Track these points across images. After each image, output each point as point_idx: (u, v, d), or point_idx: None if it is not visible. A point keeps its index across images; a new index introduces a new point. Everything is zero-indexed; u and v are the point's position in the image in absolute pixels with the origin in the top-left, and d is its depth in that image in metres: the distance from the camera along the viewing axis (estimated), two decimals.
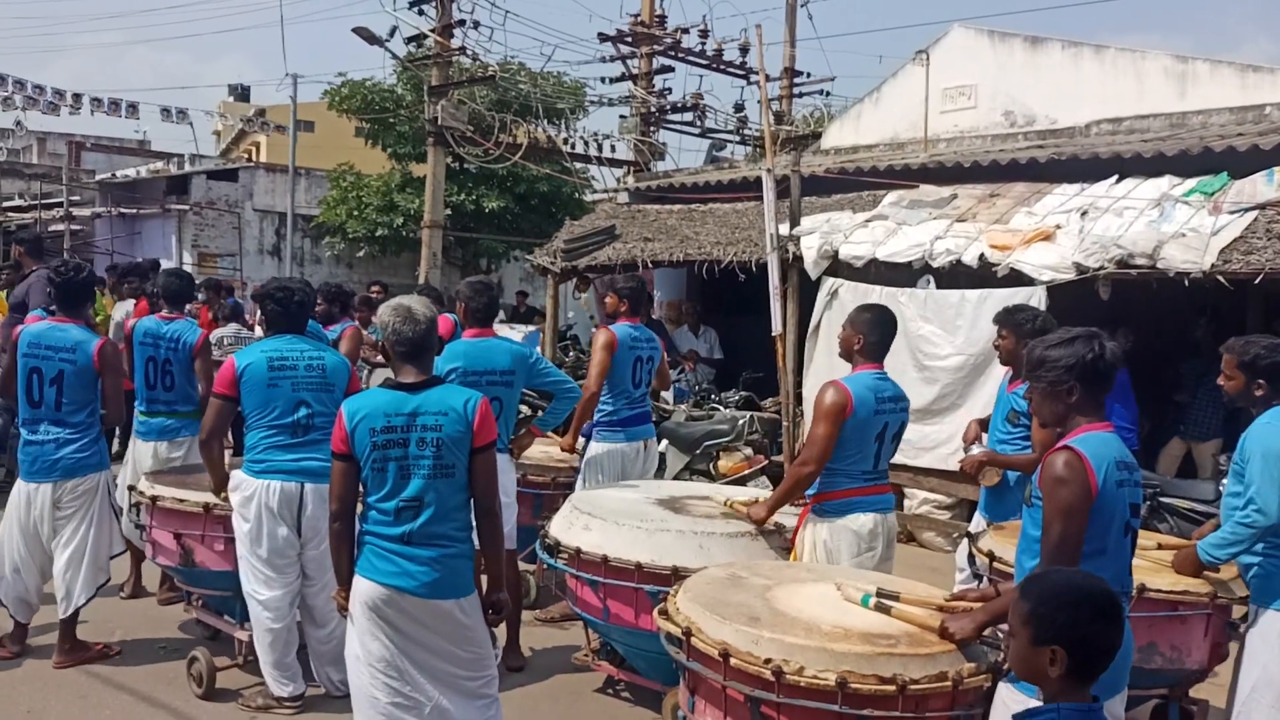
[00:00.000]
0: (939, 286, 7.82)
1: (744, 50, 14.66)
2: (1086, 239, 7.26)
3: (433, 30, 12.99)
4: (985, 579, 4.11)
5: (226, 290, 10.57)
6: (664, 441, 7.92)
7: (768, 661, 3.04)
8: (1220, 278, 6.60)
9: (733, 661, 3.12)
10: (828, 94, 15.92)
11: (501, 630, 4.71)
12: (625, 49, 14.56)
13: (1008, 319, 4.95)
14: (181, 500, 4.85)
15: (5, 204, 23.43)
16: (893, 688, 2.95)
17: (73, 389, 4.91)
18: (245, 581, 4.52)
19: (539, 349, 10.64)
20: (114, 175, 22.80)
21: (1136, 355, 7.61)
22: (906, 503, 8.22)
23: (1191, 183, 7.67)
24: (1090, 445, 2.77)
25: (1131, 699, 4.10)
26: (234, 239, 21.61)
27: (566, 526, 4.65)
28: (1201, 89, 9.63)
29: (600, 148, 13.95)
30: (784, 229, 8.54)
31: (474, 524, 3.45)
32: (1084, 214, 7.68)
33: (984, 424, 5.17)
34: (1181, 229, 7.00)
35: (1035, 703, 2.37)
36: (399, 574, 3.29)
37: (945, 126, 11.11)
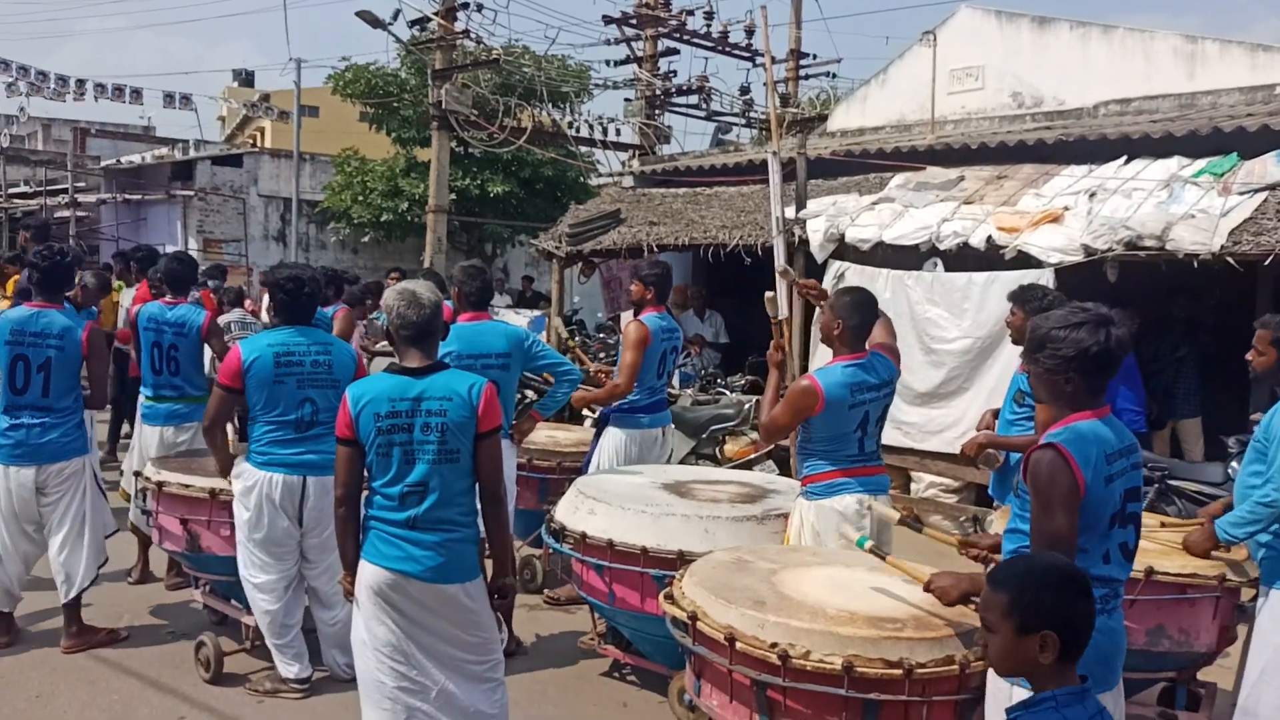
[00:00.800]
0: (946, 269, 7.78)
1: (749, 32, 14.58)
2: (1095, 221, 7.21)
3: (436, 13, 12.93)
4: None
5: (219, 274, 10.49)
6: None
7: (774, 645, 3.04)
8: (1230, 259, 6.56)
9: (738, 645, 3.12)
10: (834, 76, 15.86)
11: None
12: (630, 31, 14.49)
13: (1020, 296, 4.89)
14: (187, 485, 4.86)
15: (10, 191, 23.43)
16: (899, 671, 2.94)
17: (60, 375, 4.90)
18: (242, 566, 4.55)
19: (544, 334, 10.62)
20: (119, 161, 22.76)
21: (1140, 336, 7.60)
22: (913, 486, 8.21)
23: (1201, 163, 7.61)
24: (1077, 441, 2.65)
25: (1139, 682, 4.11)
26: (239, 225, 21.59)
27: (572, 511, 4.65)
28: (1211, 69, 9.54)
29: (605, 131, 13.90)
30: (790, 212, 8.50)
31: (479, 509, 3.45)
32: (1092, 196, 7.63)
33: (997, 414, 5.12)
34: (1191, 210, 6.94)
35: (1025, 691, 2.33)
36: (404, 559, 3.29)
37: (952, 108, 11.03)
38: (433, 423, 3.27)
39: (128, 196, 22.19)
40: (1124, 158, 8.17)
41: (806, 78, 15.93)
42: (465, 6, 12.85)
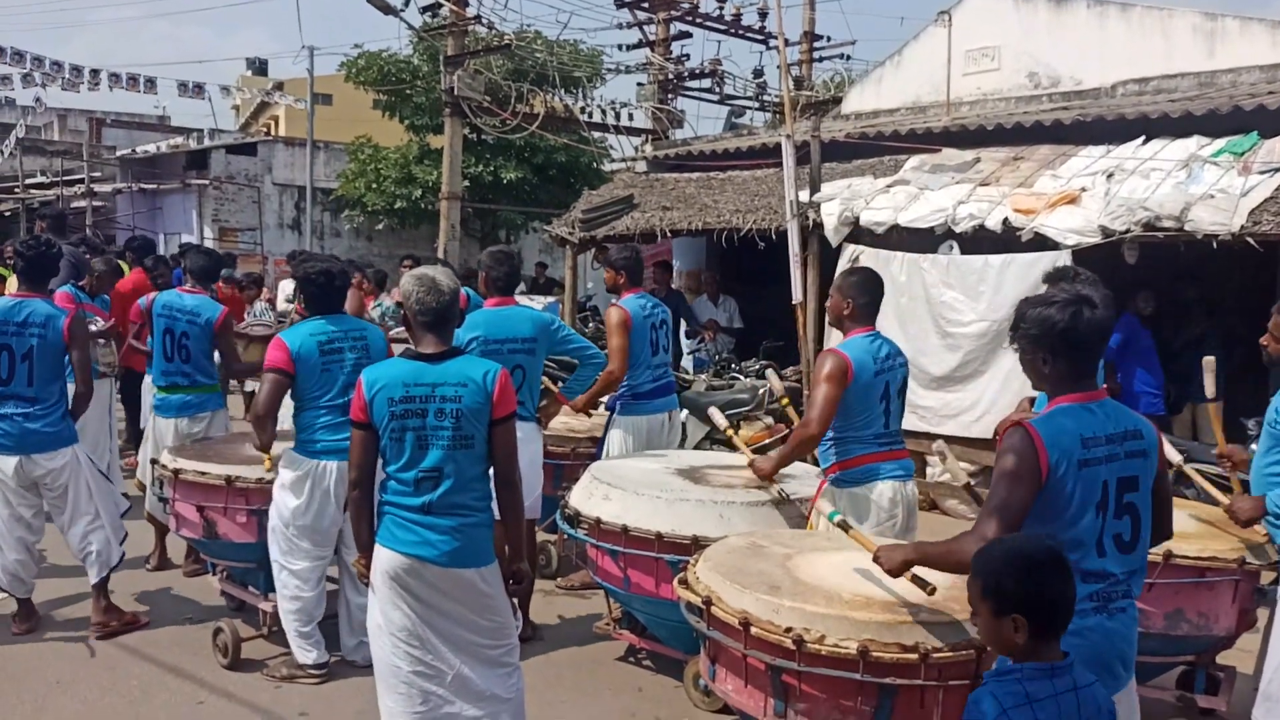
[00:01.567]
0: (962, 252, 7.73)
1: (763, 15, 14.48)
2: (1112, 202, 7.14)
3: None
4: None
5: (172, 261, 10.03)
6: (684, 411, 7.89)
7: (788, 630, 3.03)
8: (1250, 239, 6.48)
9: (753, 630, 3.11)
10: (848, 58, 15.73)
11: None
12: (642, 15, 14.42)
13: (1054, 277, 4.77)
14: (203, 473, 4.88)
15: (28, 181, 23.57)
16: (915, 656, 2.92)
17: (44, 364, 4.91)
18: (278, 553, 4.54)
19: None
20: (134, 151, 22.85)
21: (1159, 317, 7.53)
22: (929, 470, 8.17)
23: (1220, 143, 7.52)
24: (1052, 425, 2.60)
25: (1158, 666, 4.09)
26: (254, 213, 21.67)
27: (586, 497, 4.64)
28: (1231, 47, 9.42)
29: (618, 116, 13.83)
30: (804, 196, 8.46)
31: (494, 494, 3.45)
32: (1110, 176, 7.55)
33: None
34: (1210, 190, 6.87)
35: None
36: (420, 543, 3.29)
37: (968, 89, 10.94)
38: (447, 409, 3.27)
39: (143, 186, 22.29)
40: (1142, 138, 8.08)
41: (820, 60, 15.82)
42: None
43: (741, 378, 9.00)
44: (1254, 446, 6.26)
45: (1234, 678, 4.28)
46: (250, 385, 8.29)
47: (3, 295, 8.19)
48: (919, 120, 10.61)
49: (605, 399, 5.85)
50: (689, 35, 14.56)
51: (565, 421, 6.23)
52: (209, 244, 18.90)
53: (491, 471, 3.41)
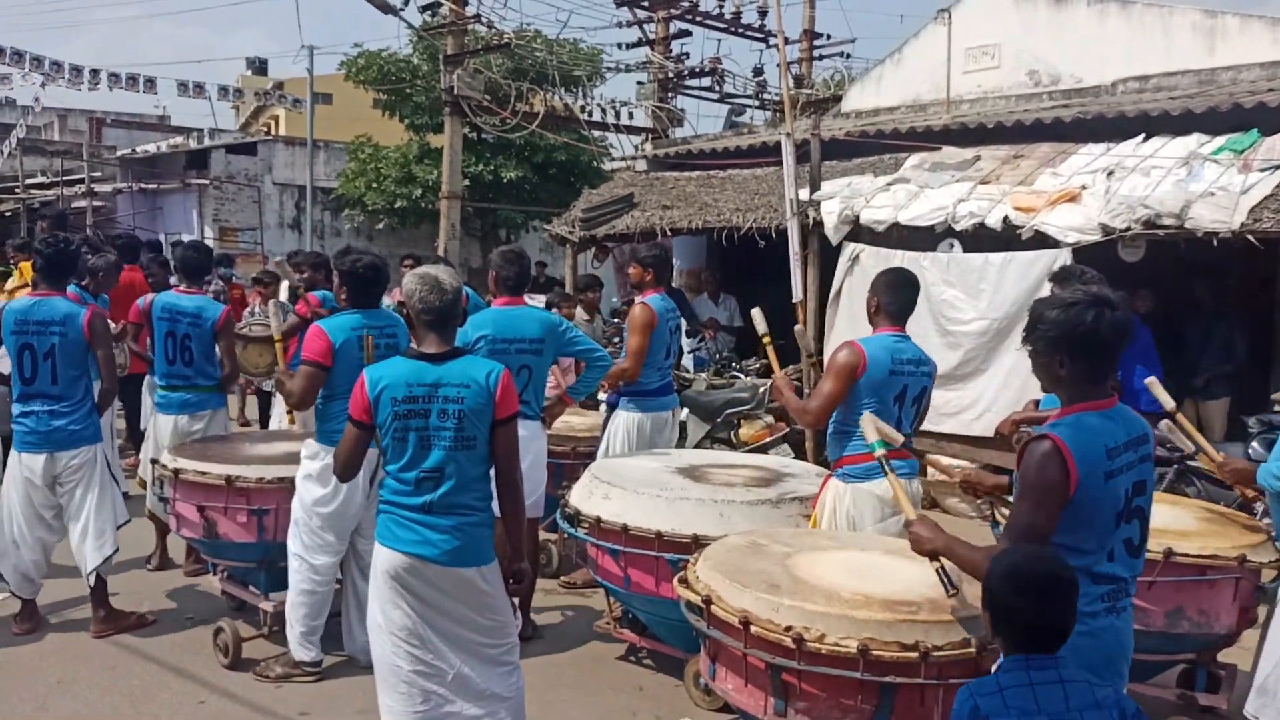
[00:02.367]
0: (963, 250, 7.72)
1: (762, 13, 14.46)
2: (1113, 199, 7.14)
3: None
4: None
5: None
6: (685, 410, 7.90)
7: (788, 629, 3.03)
8: (1250, 237, 6.48)
9: (753, 629, 3.11)
10: (848, 56, 15.72)
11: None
12: (642, 13, 14.40)
13: (1061, 277, 4.76)
14: (204, 473, 4.88)
15: (28, 181, 23.57)
16: (915, 654, 2.92)
17: (66, 362, 4.92)
18: (299, 547, 4.51)
19: None
20: (134, 151, 22.85)
21: (1157, 316, 7.52)
22: (929, 469, 8.17)
23: (1221, 140, 7.51)
24: (1077, 434, 2.53)
25: (1158, 664, 4.09)
26: (254, 213, 21.66)
27: (586, 495, 4.64)
28: (1231, 44, 9.41)
29: (618, 115, 13.82)
30: (804, 194, 8.45)
31: (494, 494, 3.45)
32: (1110, 174, 7.54)
33: (1038, 404, 5.05)
34: (1210, 188, 6.86)
35: None
36: (420, 542, 3.30)
37: (968, 87, 10.93)
38: (450, 409, 3.27)
39: (143, 186, 22.28)
40: (1142, 135, 8.07)
41: (820, 58, 15.81)
42: None
43: (741, 376, 9.00)
44: (1255, 445, 6.26)
45: (1235, 675, 4.27)
46: (267, 384, 8.19)
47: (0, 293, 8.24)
48: (919, 118, 10.60)
49: (602, 396, 5.86)
50: (689, 34, 14.55)
51: (566, 421, 6.23)
52: (209, 244, 18.88)
53: (493, 472, 3.41)
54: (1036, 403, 4.99)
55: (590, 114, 13.95)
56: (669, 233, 10.01)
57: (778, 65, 11.13)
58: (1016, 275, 7.29)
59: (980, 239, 7.62)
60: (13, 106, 28.20)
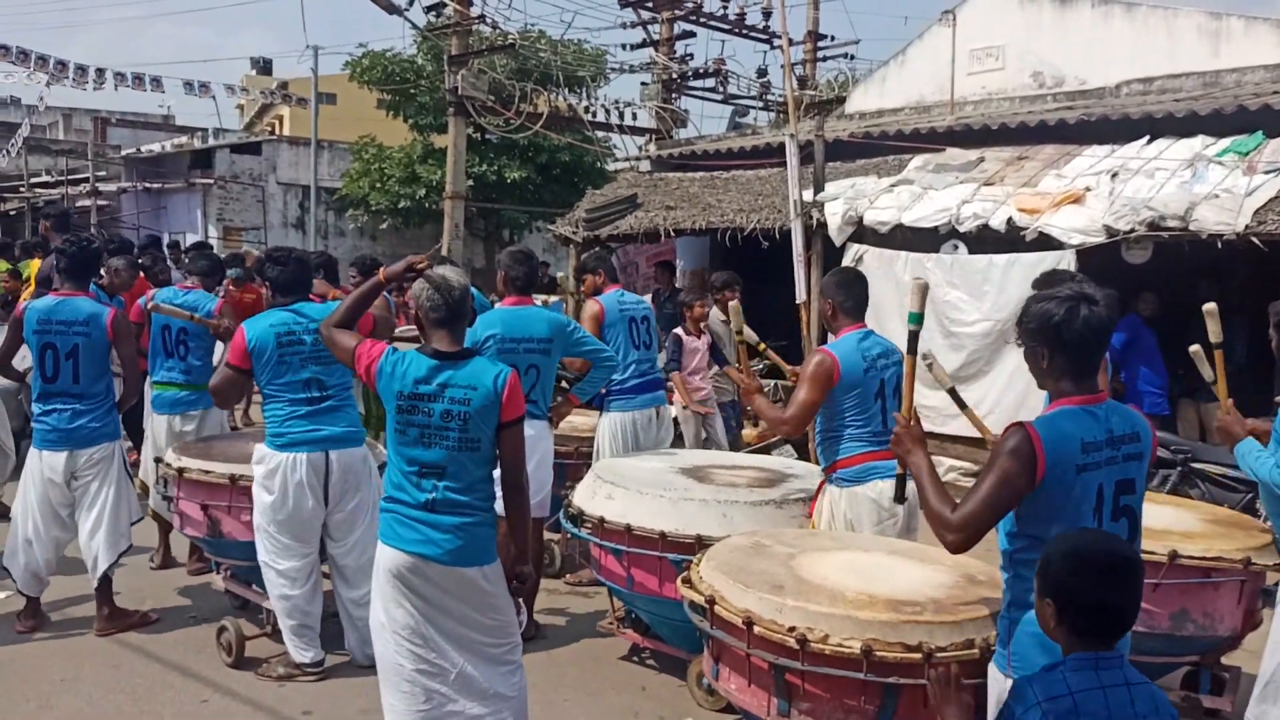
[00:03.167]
0: (967, 251, 7.72)
1: (767, 14, 14.47)
2: (1117, 201, 7.14)
3: None
4: None
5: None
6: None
7: (792, 629, 3.03)
8: (1254, 239, 6.47)
9: (756, 630, 3.11)
10: (852, 57, 15.75)
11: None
12: (646, 14, 14.40)
13: (1044, 282, 4.78)
14: (207, 471, 4.88)
15: (33, 180, 23.62)
16: (918, 655, 2.92)
17: (89, 362, 4.93)
18: (262, 552, 4.54)
19: None
20: (139, 150, 22.92)
21: (1163, 318, 7.51)
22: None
23: (1225, 142, 7.51)
24: (1053, 428, 2.56)
25: (1163, 666, 4.08)
26: (258, 212, 21.71)
27: (590, 496, 4.64)
28: (1236, 46, 9.41)
29: (622, 116, 13.84)
30: (808, 195, 8.45)
31: (498, 494, 3.45)
32: (1114, 176, 7.54)
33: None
34: (1215, 190, 6.86)
35: (1009, 680, 2.43)
36: (423, 541, 3.29)
37: (972, 88, 10.93)
38: (455, 410, 3.26)
39: (148, 185, 22.34)
40: (1146, 137, 8.07)
41: (824, 59, 15.83)
42: None
43: None
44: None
45: (1239, 678, 4.26)
46: None
47: (3, 289, 8.24)
48: (923, 120, 10.60)
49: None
50: (693, 35, 14.57)
51: (569, 420, 6.23)
52: (213, 243, 18.92)
53: (498, 474, 3.41)
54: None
55: (594, 115, 13.98)
56: (672, 233, 10.02)
57: (782, 66, 11.13)
58: (1020, 277, 7.29)
59: (984, 240, 7.62)
60: (18, 105, 28.28)
